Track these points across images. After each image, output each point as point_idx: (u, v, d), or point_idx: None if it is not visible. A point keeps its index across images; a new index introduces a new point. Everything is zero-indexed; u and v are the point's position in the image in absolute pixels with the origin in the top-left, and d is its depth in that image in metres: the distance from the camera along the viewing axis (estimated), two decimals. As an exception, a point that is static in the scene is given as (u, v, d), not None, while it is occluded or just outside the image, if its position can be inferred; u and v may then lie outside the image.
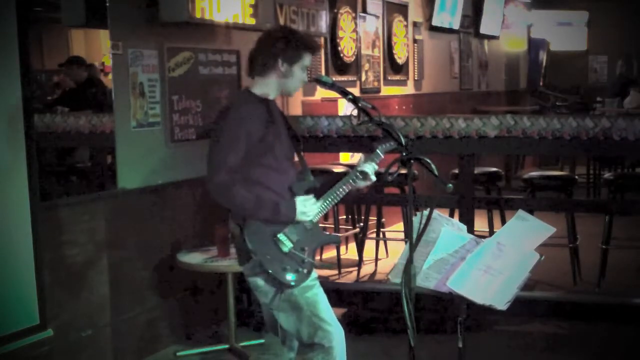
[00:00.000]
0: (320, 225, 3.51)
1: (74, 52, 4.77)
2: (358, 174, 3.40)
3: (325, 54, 7.20)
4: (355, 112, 3.38)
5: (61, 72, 4.61)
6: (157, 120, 4.93)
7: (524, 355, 4.83)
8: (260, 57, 3.36)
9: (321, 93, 6.93)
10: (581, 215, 6.30)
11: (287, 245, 3.27)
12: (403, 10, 8.77)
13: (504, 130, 4.86)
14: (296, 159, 3.53)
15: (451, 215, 5.30)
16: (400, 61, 8.64)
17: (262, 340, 4.95)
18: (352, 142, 5.22)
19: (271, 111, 3.38)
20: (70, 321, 4.30)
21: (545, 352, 4.88)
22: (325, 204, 3.38)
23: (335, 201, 3.40)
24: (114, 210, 4.63)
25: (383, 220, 6.82)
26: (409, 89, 9.04)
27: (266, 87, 3.39)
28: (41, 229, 3.79)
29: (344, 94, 3.41)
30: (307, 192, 3.37)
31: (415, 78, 9.14)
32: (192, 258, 4.80)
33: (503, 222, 6.04)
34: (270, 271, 3.22)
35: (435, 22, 9.48)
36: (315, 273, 3.39)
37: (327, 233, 3.73)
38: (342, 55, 7.38)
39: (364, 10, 7.86)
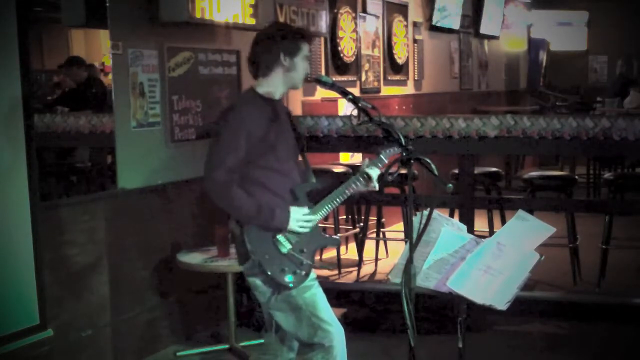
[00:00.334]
0: (320, 225, 3.51)
1: (74, 52, 4.76)
2: (362, 176, 3.39)
3: (325, 54, 7.20)
4: (355, 112, 3.37)
5: (61, 72, 4.61)
6: (157, 120, 4.93)
7: (524, 355, 4.83)
8: (262, 57, 3.36)
9: (321, 93, 6.93)
10: (581, 215, 6.30)
11: (286, 246, 3.27)
12: (403, 10, 8.77)
13: (504, 130, 4.86)
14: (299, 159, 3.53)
15: (451, 215, 5.30)
16: (400, 61, 8.64)
17: (262, 340, 4.93)
18: (352, 142, 5.22)
19: (276, 111, 3.38)
20: (70, 321, 4.30)
21: (545, 352, 4.87)
22: (328, 207, 3.37)
23: (337, 204, 3.40)
24: (114, 210, 4.63)
25: (383, 220, 6.83)
26: (409, 89, 9.04)
27: (272, 85, 3.38)
28: (41, 229, 3.80)
29: (344, 94, 3.41)
30: (308, 195, 3.37)
31: (415, 78, 9.14)
32: (192, 258, 4.80)
33: (503, 222, 6.04)
34: (268, 272, 3.22)
35: (435, 20, 9.45)
36: (314, 273, 3.38)
37: (327, 235, 3.72)
38: (342, 55, 7.37)
39: (364, 10, 7.85)
